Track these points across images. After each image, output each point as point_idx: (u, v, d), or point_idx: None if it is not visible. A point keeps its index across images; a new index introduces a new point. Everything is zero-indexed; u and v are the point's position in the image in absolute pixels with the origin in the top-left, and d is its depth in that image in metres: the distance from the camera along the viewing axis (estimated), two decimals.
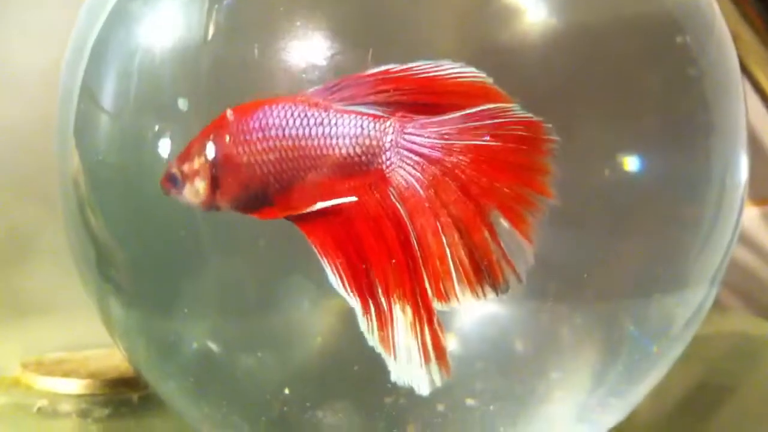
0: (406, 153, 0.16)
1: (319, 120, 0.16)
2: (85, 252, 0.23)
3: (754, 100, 0.48)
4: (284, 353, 0.20)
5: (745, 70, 0.23)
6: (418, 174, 0.16)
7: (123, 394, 0.28)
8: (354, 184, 0.16)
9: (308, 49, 0.18)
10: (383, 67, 0.16)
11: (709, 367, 0.36)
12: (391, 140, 0.16)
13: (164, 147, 0.20)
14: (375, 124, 0.16)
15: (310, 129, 0.16)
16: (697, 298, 0.22)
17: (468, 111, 0.16)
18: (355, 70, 0.18)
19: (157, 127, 0.20)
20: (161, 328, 0.21)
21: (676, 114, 0.21)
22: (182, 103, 0.20)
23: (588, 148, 0.19)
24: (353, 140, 0.16)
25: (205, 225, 0.20)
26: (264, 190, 0.17)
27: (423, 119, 0.16)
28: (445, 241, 0.16)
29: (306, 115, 0.16)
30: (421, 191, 0.16)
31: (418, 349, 0.17)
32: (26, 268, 0.35)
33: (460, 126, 0.16)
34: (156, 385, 0.23)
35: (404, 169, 0.16)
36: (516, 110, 0.16)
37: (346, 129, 0.16)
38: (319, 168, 0.16)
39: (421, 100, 0.16)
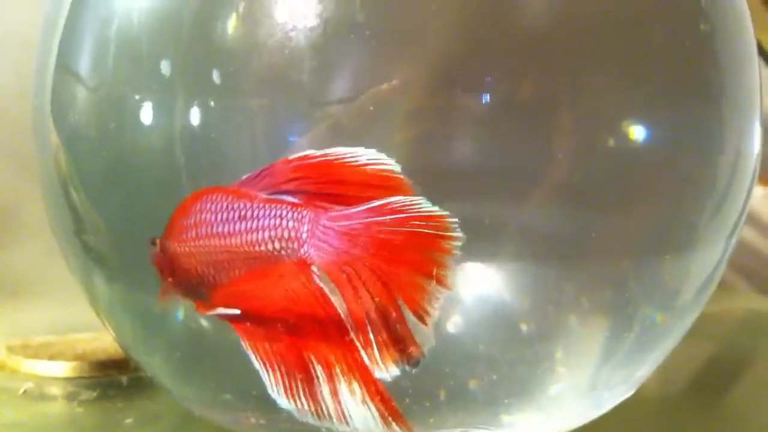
0: (320, 243, 0.17)
1: (242, 213, 0.17)
2: (67, 229, 0.22)
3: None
4: None
5: None
6: (334, 259, 0.17)
7: (112, 376, 0.28)
8: (280, 273, 0.17)
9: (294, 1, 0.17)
10: (302, 153, 0.17)
11: (720, 344, 0.36)
12: (308, 230, 0.17)
13: (147, 114, 0.19)
14: (293, 213, 0.17)
15: (234, 224, 0.18)
16: (704, 268, 0.21)
17: (373, 204, 0.17)
18: (345, 23, 0.17)
19: (138, 96, 0.19)
20: (146, 302, 0.21)
21: (687, 73, 0.20)
22: (165, 67, 0.19)
23: (594, 109, 0.19)
24: (273, 233, 0.17)
25: (190, 190, 0.19)
26: (200, 286, 0.18)
27: (333, 211, 0.17)
28: (366, 314, 0.17)
29: (232, 208, 0.18)
30: (340, 272, 0.17)
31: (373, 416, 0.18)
32: (10, 248, 0.35)
33: (364, 221, 0.17)
34: (144, 364, 0.23)
35: (321, 259, 0.17)
36: (420, 204, 0.17)
37: (267, 221, 0.17)
38: (246, 266, 0.18)
39: (335, 190, 0.17)
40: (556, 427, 0.22)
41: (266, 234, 0.17)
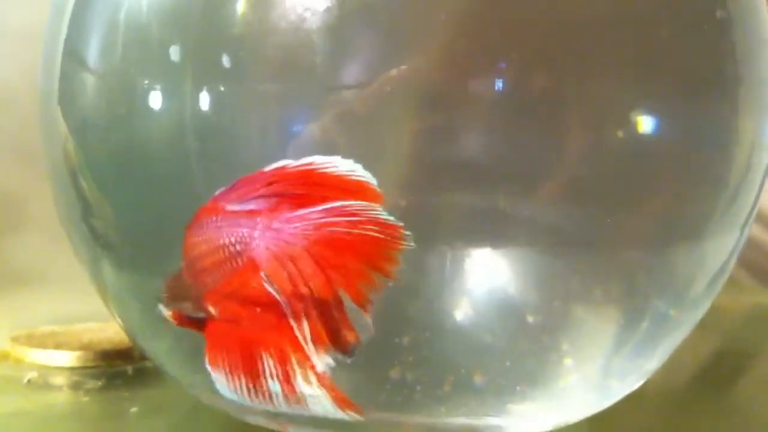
0: (269, 245, 0.18)
1: (207, 228, 0.18)
2: (75, 216, 0.22)
3: None
4: None
5: None
6: (278, 255, 0.18)
7: (117, 366, 0.28)
8: (239, 281, 0.18)
9: None
10: (280, 164, 0.17)
11: (725, 338, 0.36)
12: (259, 235, 0.18)
13: (156, 100, 0.19)
14: (247, 220, 0.18)
15: (203, 239, 0.18)
16: (718, 257, 0.21)
17: (328, 206, 0.17)
18: (359, 6, 0.17)
19: (147, 81, 0.19)
20: (154, 289, 0.20)
21: (703, 63, 0.20)
22: (174, 52, 0.19)
23: (607, 99, 0.18)
24: (230, 240, 0.18)
25: (200, 177, 0.19)
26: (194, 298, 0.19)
27: (288, 213, 0.17)
28: (304, 309, 0.18)
29: (202, 225, 0.18)
30: (282, 268, 0.18)
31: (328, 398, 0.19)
32: (15, 237, 0.34)
33: (317, 221, 0.17)
34: (151, 352, 0.22)
35: (268, 259, 0.18)
36: (376, 210, 0.17)
37: (226, 231, 0.18)
38: (216, 276, 0.18)
39: (305, 191, 0.17)
40: (565, 417, 0.22)
41: (225, 241, 0.18)
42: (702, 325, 0.23)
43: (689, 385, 0.30)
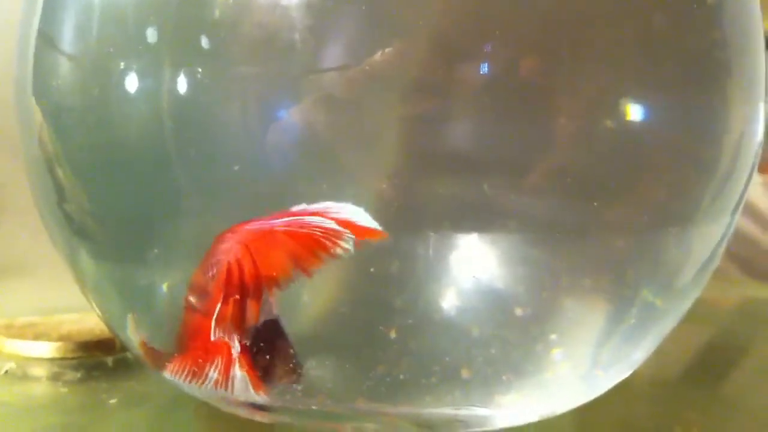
0: (232, 246, 0.18)
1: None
2: (52, 204, 0.21)
3: None
4: None
5: None
6: (230, 251, 0.18)
7: (97, 357, 0.27)
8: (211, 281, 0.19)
9: None
10: (300, 207, 0.18)
11: (716, 331, 0.36)
12: (234, 252, 0.18)
13: (132, 82, 0.18)
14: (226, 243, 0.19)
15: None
16: (707, 243, 0.21)
17: (290, 219, 0.18)
18: None
19: (123, 63, 0.18)
20: (131, 278, 0.20)
21: (691, 51, 0.20)
22: (151, 34, 0.18)
23: (597, 87, 0.18)
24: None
25: (178, 162, 0.18)
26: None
27: (260, 222, 0.18)
28: (225, 293, 0.19)
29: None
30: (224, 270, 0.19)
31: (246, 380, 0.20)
32: None
33: (272, 226, 0.18)
34: (129, 342, 0.22)
35: (225, 254, 0.19)
36: (327, 222, 0.18)
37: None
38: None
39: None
40: (552, 407, 0.21)
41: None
42: (691, 319, 0.23)
43: (679, 378, 0.30)
